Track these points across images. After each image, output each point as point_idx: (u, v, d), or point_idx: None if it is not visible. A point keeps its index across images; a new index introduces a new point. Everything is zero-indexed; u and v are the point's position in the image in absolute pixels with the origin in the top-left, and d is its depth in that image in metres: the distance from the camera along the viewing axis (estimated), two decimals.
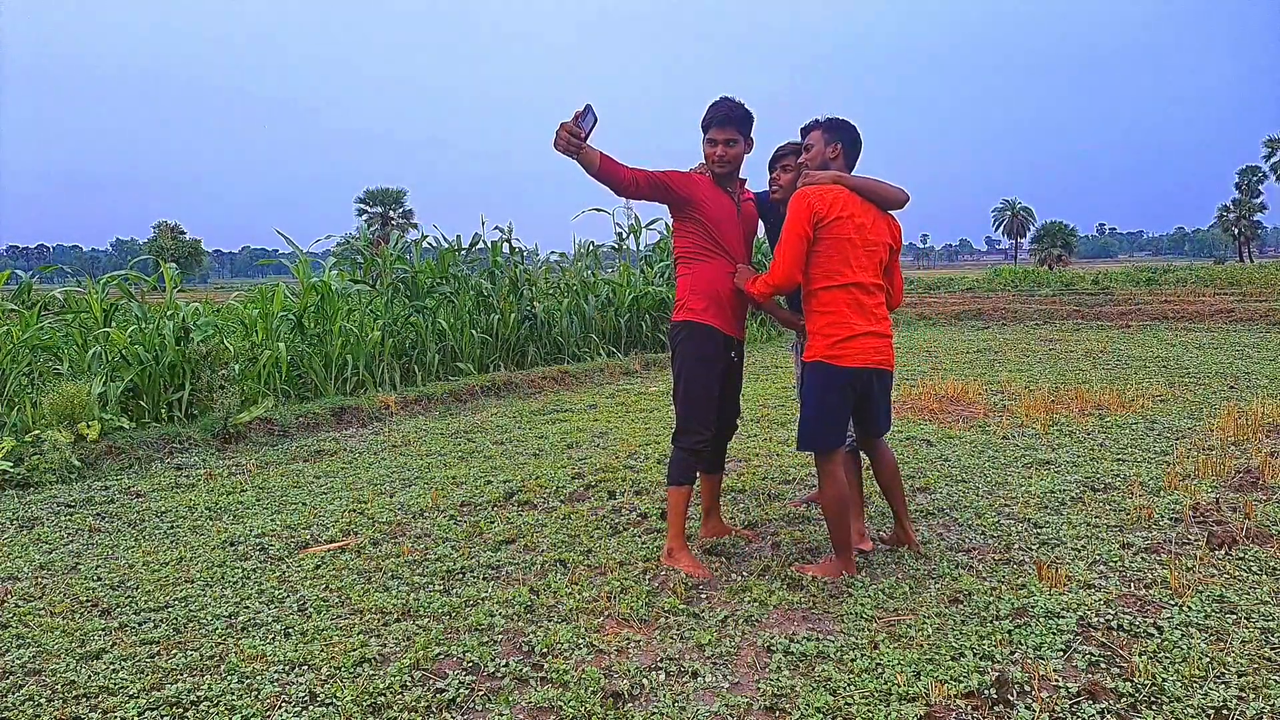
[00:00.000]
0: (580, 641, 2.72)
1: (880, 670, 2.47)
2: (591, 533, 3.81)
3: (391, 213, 55.27)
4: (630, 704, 2.36)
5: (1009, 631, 2.68)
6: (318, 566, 3.48)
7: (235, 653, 2.70)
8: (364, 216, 54.84)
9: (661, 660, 2.59)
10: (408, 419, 6.96)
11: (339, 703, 2.37)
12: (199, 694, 2.45)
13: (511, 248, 10.70)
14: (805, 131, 3.35)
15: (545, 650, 2.67)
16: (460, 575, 3.35)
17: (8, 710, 2.40)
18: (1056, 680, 2.35)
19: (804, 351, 3.25)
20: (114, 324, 6.89)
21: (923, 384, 7.55)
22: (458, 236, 10.54)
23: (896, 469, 3.43)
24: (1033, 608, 2.82)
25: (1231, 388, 7.16)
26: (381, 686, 2.44)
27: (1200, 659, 2.45)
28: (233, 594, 3.20)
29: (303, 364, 7.80)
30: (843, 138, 3.23)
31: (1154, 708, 2.23)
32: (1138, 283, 22.43)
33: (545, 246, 12.71)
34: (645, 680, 2.47)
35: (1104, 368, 8.67)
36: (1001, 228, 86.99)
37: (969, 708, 2.26)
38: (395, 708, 2.35)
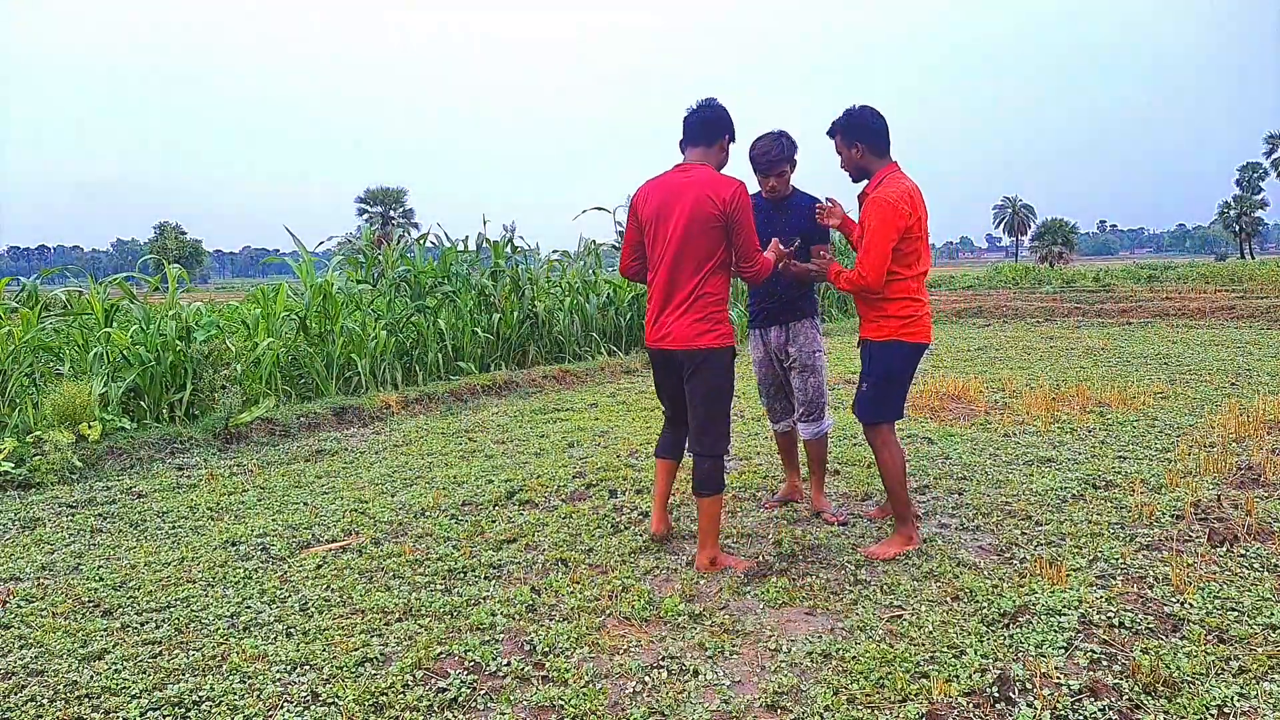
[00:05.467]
0: (582, 640, 2.72)
1: (882, 668, 2.47)
2: (593, 531, 3.82)
3: (392, 212, 55.32)
4: (631, 702, 2.36)
5: (1010, 629, 2.68)
6: (319, 566, 3.48)
7: (237, 653, 2.70)
8: (364, 216, 54.89)
9: (663, 659, 2.59)
10: (409, 418, 6.97)
11: (341, 702, 2.37)
12: (201, 694, 2.45)
13: (514, 247, 10.70)
14: (831, 136, 3.48)
15: (547, 649, 2.67)
16: (462, 574, 3.35)
17: (10, 711, 2.40)
18: (1058, 677, 2.35)
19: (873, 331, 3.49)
20: (115, 324, 6.90)
21: (924, 382, 7.55)
22: (465, 238, 10.56)
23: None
24: (1034, 605, 2.82)
25: (1233, 384, 7.15)
26: (383, 686, 2.45)
27: (1202, 656, 2.45)
28: (234, 594, 3.20)
29: (304, 364, 7.80)
30: (859, 137, 3.39)
31: (1156, 705, 2.23)
32: (1139, 280, 22.42)
33: (546, 245, 12.73)
34: (647, 678, 2.47)
35: (1105, 365, 8.67)
36: (1002, 225, 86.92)
37: (970, 705, 2.26)
38: (397, 707, 2.36)
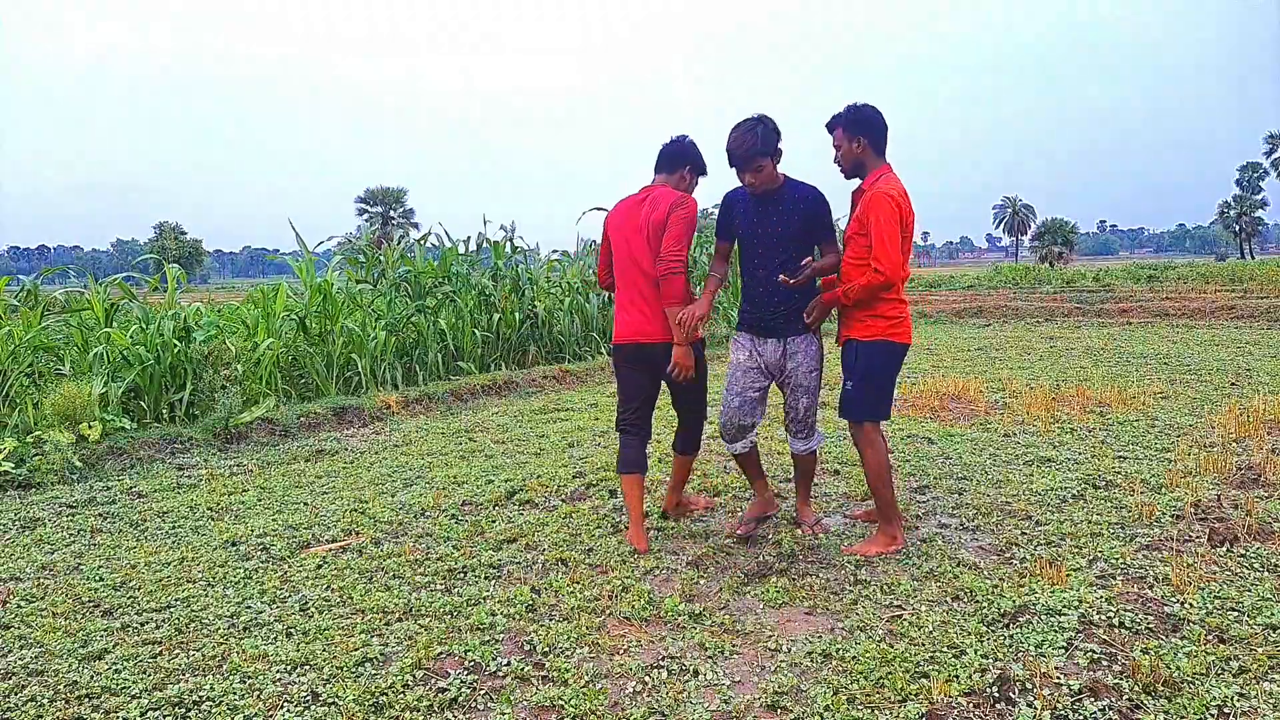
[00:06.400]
0: (582, 640, 2.72)
1: (882, 668, 2.47)
2: (593, 531, 3.82)
3: (392, 212, 55.30)
4: (631, 702, 2.36)
5: (1010, 629, 2.68)
6: (319, 566, 3.48)
7: (237, 653, 2.70)
8: (364, 216, 54.89)
9: (663, 659, 2.59)
10: (409, 418, 6.97)
11: (341, 702, 2.37)
12: (201, 694, 2.45)
13: (514, 247, 10.71)
14: (829, 129, 3.51)
15: (547, 649, 2.67)
16: (462, 574, 3.35)
17: (11, 711, 2.40)
18: (1058, 677, 2.35)
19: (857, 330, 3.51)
20: (115, 324, 6.90)
21: (924, 382, 7.55)
22: (466, 239, 10.56)
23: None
24: (1034, 605, 2.82)
25: (1233, 384, 7.15)
26: (384, 686, 2.45)
27: (1202, 656, 2.45)
28: (234, 594, 3.20)
29: (304, 364, 7.81)
30: (865, 132, 3.42)
31: (1156, 705, 2.23)
32: (1139, 280, 22.39)
33: (546, 246, 12.73)
34: (647, 678, 2.47)
35: (1105, 365, 8.67)
36: (1002, 225, 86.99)
37: (970, 705, 2.26)
38: (397, 707, 2.36)
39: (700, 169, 3.73)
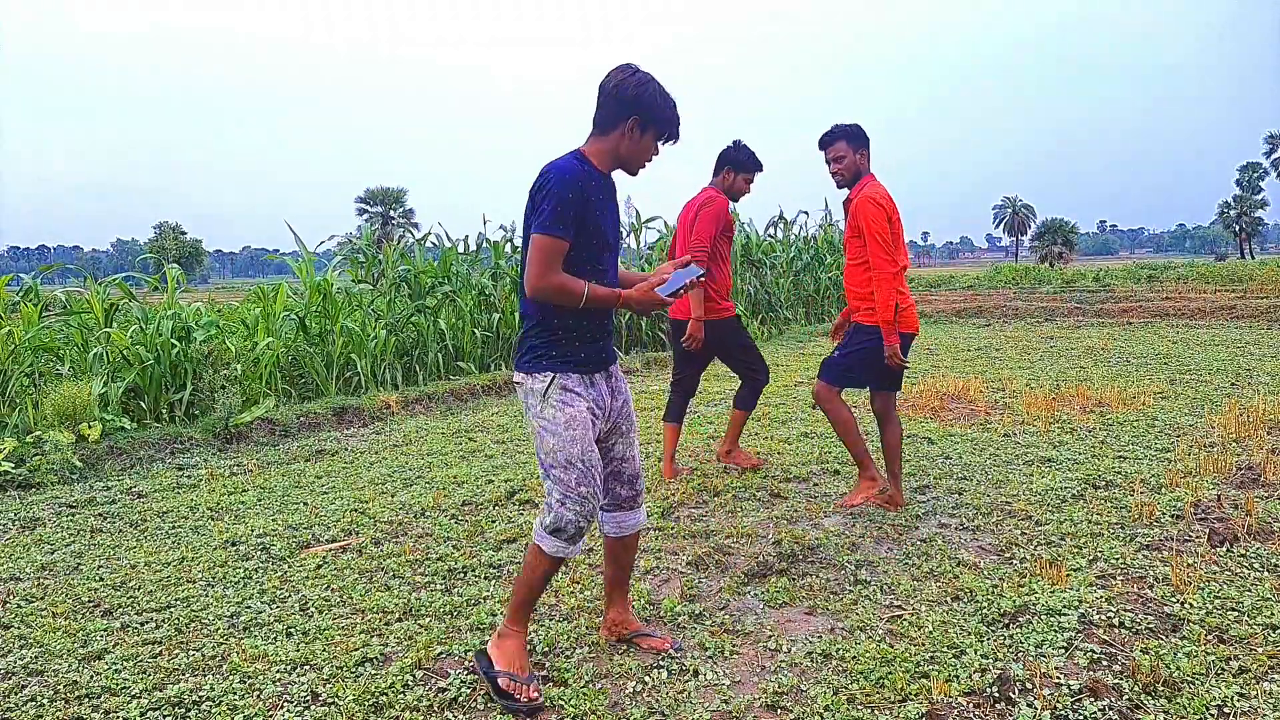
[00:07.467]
0: (582, 640, 2.72)
1: (881, 668, 2.47)
2: (593, 532, 3.80)
3: (392, 212, 55.27)
4: (631, 702, 2.36)
5: (1010, 629, 2.68)
6: (319, 566, 3.48)
7: (237, 653, 2.70)
8: (364, 216, 54.86)
9: (663, 659, 2.59)
10: (409, 418, 6.97)
11: (341, 702, 2.37)
12: (201, 694, 2.45)
13: (514, 246, 10.72)
14: (825, 143, 3.84)
15: (547, 649, 2.67)
16: (462, 574, 3.35)
17: (10, 711, 2.40)
18: (1058, 677, 2.35)
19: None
20: (115, 324, 6.90)
21: (924, 382, 7.55)
22: (465, 238, 10.55)
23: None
24: (1034, 605, 2.82)
25: (1233, 384, 7.15)
26: (383, 686, 2.45)
27: (1202, 656, 2.45)
28: (234, 594, 3.20)
29: (304, 364, 7.81)
30: (866, 145, 3.83)
31: (1156, 705, 2.23)
32: (1139, 280, 22.37)
33: None
34: (647, 678, 2.47)
35: (1105, 365, 8.67)
36: (1002, 225, 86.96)
37: (970, 705, 2.26)
38: (397, 707, 2.36)
39: (739, 166, 4.40)
